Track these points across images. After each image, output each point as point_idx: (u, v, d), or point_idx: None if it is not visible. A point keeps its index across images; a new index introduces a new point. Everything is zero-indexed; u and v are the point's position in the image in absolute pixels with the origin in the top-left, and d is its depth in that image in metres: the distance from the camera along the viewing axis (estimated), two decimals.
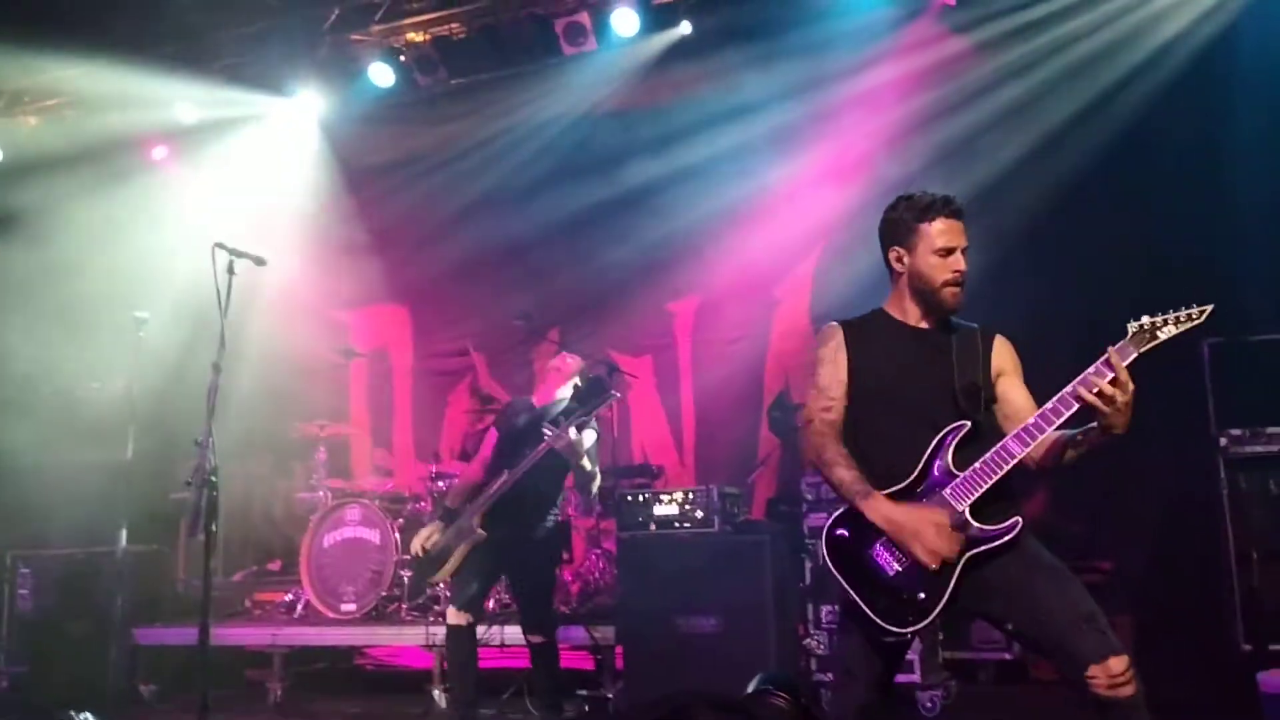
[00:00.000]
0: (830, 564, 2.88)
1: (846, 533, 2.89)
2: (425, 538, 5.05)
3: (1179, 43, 6.26)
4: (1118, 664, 2.61)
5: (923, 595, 2.77)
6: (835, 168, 7.13)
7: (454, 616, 4.98)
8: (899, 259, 3.03)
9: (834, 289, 7.12)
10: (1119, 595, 5.42)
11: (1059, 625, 2.70)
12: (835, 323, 3.12)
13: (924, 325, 3.05)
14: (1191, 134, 6.05)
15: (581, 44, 7.16)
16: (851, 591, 2.83)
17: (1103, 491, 6.00)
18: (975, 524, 2.78)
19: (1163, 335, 2.72)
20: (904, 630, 2.78)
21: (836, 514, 2.93)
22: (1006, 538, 2.77)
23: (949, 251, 2.95)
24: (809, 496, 5.40)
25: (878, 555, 2.83)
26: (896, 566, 2.81)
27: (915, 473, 2.86)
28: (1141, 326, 2.73)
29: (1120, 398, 2.64)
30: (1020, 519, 2.79)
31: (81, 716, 2.83)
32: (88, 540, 6.50)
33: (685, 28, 7.18)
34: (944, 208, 2.97)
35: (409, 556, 5.38)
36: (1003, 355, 3.04)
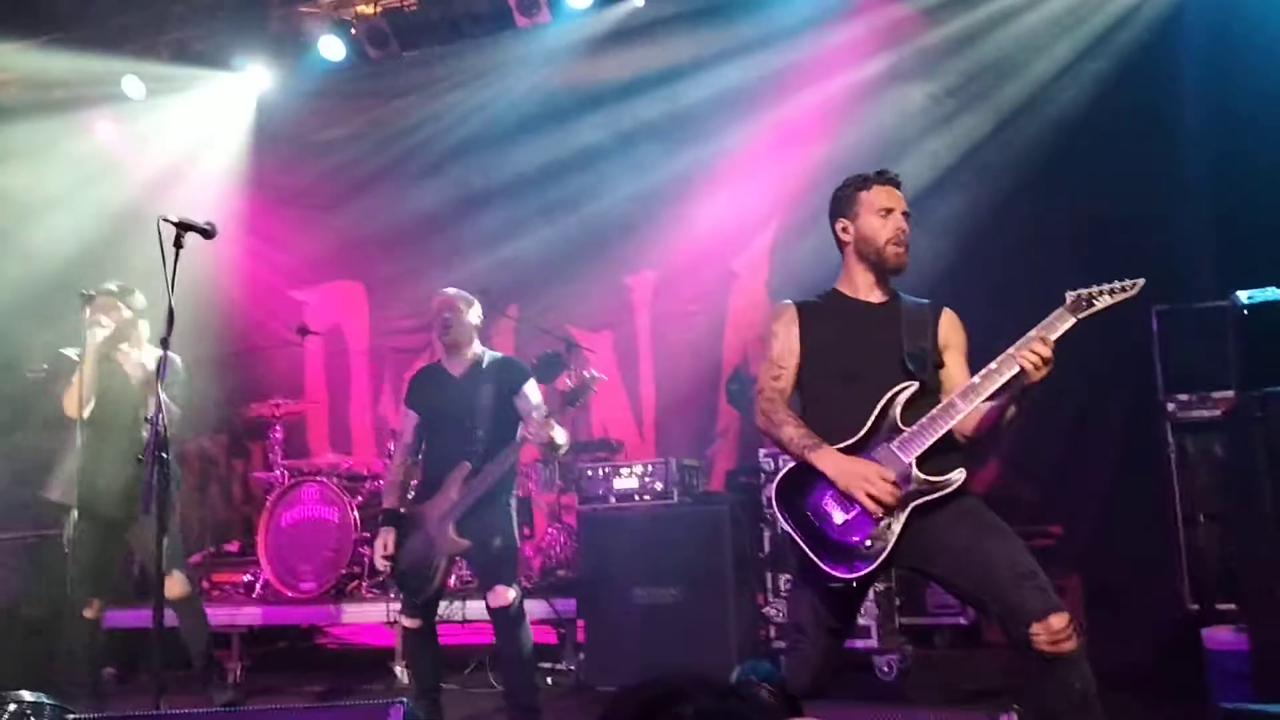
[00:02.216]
0: (780, 513, 2.97)
1: (797, 484, 2.98)
2: (384, 548, 4.44)
3: (1127, 18, 6.34)
4: (1058, 620, 2.69)
5: (868, 544, 2.87)
6: (790, 141, 7.13)
7: (408, 622, 4.52)
8: (845, 230, 3.19)
9: (791, 262, 7.13)
10: (1069, 558, 5.55)
11: (1002, 583, 2.78)
12: (789, 300, 3.24)
13: (874, 299, 3.18)
14: (1139, 108, 6.13)
15: (535, 16, 7.11)
16: (799, 538, 2.92)
17: (1054, 457, 6.12)
18: (921, 474, 2.87)
19: (1099, 304, 2.86)
20: (850, 576, 2.85)
21: (788, 468, 3.02)
22: (950, 489, 2.87)
23: (889, 211, 3.12)
24: (767, 467, 5.43)
25: (825, 505, 2.94)
26: (844, 515, 2.91)
27: (864, 430, 2.96)
28: (1079, 296, 2.87)
29: (1047, 365, 2.78)
30: (964, 470, 2.88)
31: (34, 696, 2.78)
32: (38, 523, 6.39)
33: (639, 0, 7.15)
34: (880, 177, 3.18)
35: (380, 574, 4.71)
36: (949, 329, 3.17)
